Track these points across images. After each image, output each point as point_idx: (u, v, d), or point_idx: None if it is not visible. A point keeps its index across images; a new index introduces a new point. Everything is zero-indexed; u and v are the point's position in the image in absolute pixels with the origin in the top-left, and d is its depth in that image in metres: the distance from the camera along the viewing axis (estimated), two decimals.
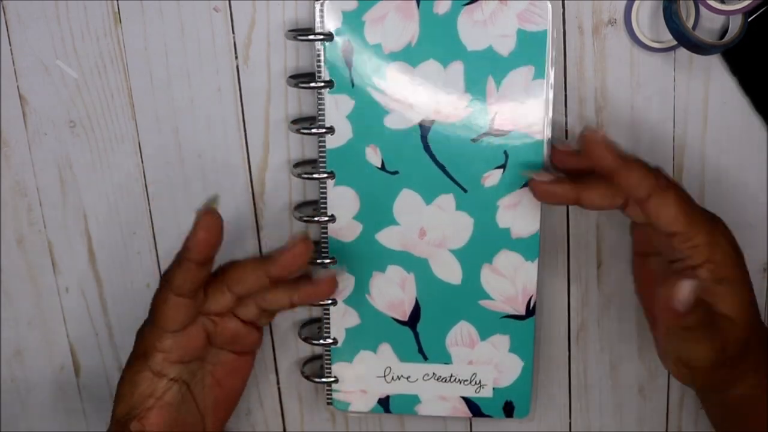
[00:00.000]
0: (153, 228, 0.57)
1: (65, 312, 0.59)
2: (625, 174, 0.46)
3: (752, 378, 0.48)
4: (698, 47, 0.50)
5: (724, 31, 0.52)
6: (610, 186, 0.48)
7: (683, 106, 0.54)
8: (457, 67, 0.51)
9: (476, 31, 0.50)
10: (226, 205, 0.56)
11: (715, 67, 0.53)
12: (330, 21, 0.50)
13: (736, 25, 0.51)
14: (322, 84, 0.51)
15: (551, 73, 0.51)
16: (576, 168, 0.50)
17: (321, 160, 0.52)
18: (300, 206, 0.55)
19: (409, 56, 0.51)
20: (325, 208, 0.53)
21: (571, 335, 0.58)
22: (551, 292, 0.57)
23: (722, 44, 0.51)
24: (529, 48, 0.50)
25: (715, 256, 0.47)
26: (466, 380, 0.55)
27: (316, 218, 0.53)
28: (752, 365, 0.48)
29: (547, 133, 0.51)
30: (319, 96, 0.51)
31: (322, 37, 0.50)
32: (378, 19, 0.50)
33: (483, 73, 0.51)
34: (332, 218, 0.53)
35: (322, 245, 0.54)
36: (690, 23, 0.51)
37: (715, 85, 0.53)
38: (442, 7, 0.50)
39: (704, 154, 0.54)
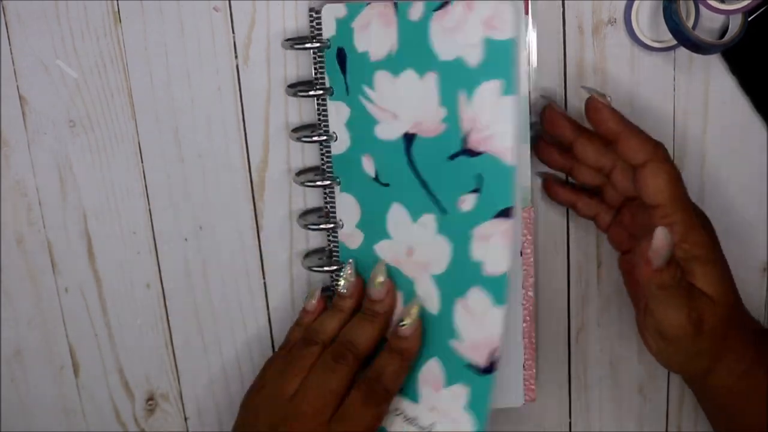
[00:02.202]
0: (153, 228, 0.57)
1: (65, 312, 0.59)
2: (628, 137, 0.48)
3: (733, 363, 0.49)
4: (698, 47, 0.50)
5: (724, 31, 0.52)
6: (605, 146, 0.49)
7: (683, 106, 0.54)
8: (432, 78, 0.48)
9: (446, 39, 0.46)
10: (227, 204, 0.56)
11: (715, 67, 0.53)
12: (325, 28, 0.50)
13: (735, 24, 0.51)
14: (321, 92, 0.51)
15: (526, 84, 0.49)
16: (564, 136, 0.51)
17: (327, 167, 0.52)
18: (303, 214, 0.55)
19: (391, 65, 0.49)
20: (334, 214, 0.53)
21: (571, 335, 0.58)
22: (551, 292, 0.57)
23: (722, 44, 0.51)
24: (496, 59, 0.45)
25: (689, 237, 0.47)
26: (425, 428, 0.52)
27: (322, 225, 0.53)
28: (731, 349, 0.49)
29: (513, 161, 0.46)
30: (321, 103, 0.51)
31: (318, 45, 0.50)
32: (364, 26, 0.49)
33: (455, 85, 0.47)
34: (341, 224, 0.53)
35: (333, 252, 0.54)
36: (690, 23, 0.51)
37: (715, 85, 0.53)
38: (415, 13, 0.47)
39: (704, 154, 0.54)
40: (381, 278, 0.52)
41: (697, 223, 0.48)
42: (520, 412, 0.59)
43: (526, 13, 0.51)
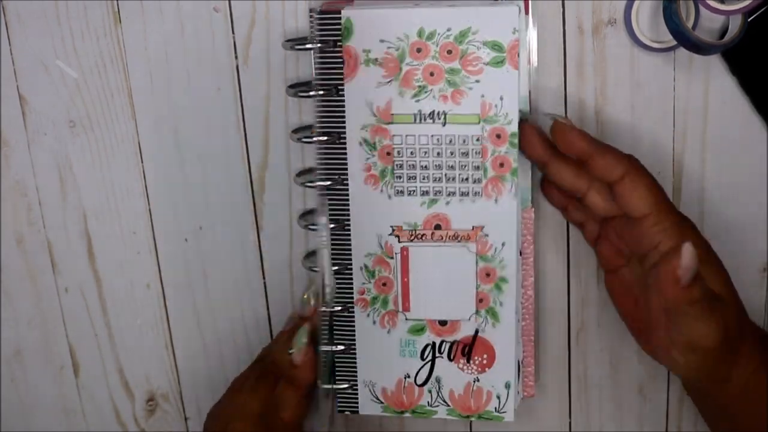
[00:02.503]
0: (153, 228, 0.57)
1: (65, 312, 0.59)
2: (601, 156, 0.47)
3: (742, 369, 0.48)
4: (698, 47, 0.50)
5: (724, 31, 0.52)
6: (579, 169, 0.49)
7: (683, 106, 0.54)
8: None
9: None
10: (226, 204, 0.56)
11: (715, 67, 0.53)
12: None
13: (735, 25, 0.51)
14: (321, 92, 0.51)
15: (526, 84, 0.50)
16: (537, 157, 0.51)
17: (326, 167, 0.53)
18: (303, 215, 0.55)
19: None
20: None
21: (571, 335, 0.58)
22: (551, 292, 0.57)
23: (722, 44, 0.51)
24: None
25: (685, 238, 0.46)
26: None
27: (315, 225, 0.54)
28: (744, 354, 0.48)
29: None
30: (321, 103, 0.51)
31: (318, 45, 0.50)
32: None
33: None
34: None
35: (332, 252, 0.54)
36: (690, 23, 0.51)
37: (715, 85, 0.53)
38: None
39: (704, 154, 0.54)
40: (299, 346, 0.52)
41: (690, 223, 0.48)
42: (519, 411, 0.59)
43: (527, 12, 0.51)
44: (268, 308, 0.58)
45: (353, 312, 0.54)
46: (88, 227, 0.57)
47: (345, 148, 0.52)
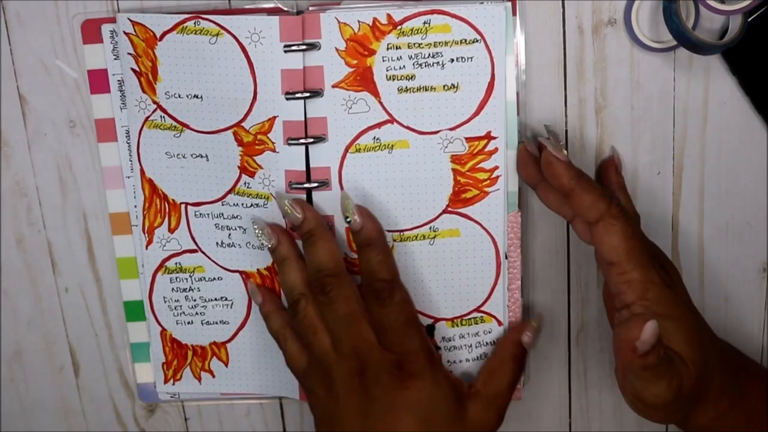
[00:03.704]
0: None
1: (65, 312, 0.59)
2: (579, 195, 0.47)
3: (709, 409, 0.48)
4: (698, 47, 0.50)
5: (724, 31, 0.52)
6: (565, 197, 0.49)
7: (683, 106, 0.54)
8: None
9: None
10: None
11: (715, 67, 0.53)
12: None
13: (736, 25, 0.51)
14: (308, 95, 0.51)
15: (513, 88, 0.50)
16: (529, 179, 0.52)
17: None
18: None
19: None
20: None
21: (571, 335, 0.58)
22: (551, 292, 0.57)
23: (722, 44, 0.51)
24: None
25: (648, 293, 0.47)
26: None
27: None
28: (706, 397, 0.48)
29: None
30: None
31: (306, 47, 0.50)
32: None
33: None
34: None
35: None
36: (690, 23, 0.51)
37: (715, 85, 0.53)
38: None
39: (704, 154, 0.54)
40: (287, 206, 0.51)
41: (657, 279, 0.47)
42: (519, 411, 0.59)
43: (514, 14, 0.51)
44: None
45: None
46: (88, 227, 0.57)
47: None
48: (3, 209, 0.57)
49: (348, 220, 0.51)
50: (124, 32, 0.51)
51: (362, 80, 0.51)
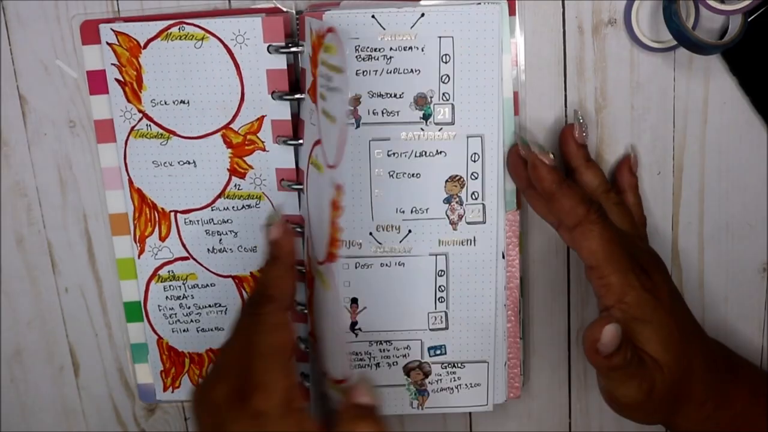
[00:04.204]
0: None
1: (65, 312, 0.59)
2: (559, 200, 0.48)
3: (693, 412, 0.49)
4: (698, 47, 0.50)
5: (724, 31, 0.52)
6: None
7: (683, 106, 0.54)
8: None
9: None
10: None
11: (715, 67, 0.53)
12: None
13: (736, 25, 0.51)
14: (299, 95, 0.51)
15: (510, 86, 0.50)
16: (517, 182, 0.52)
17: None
18: None
19: None
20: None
21: (571, 335, 0.58)
22: (551, 293, 0.57)
23: (722, 44, 0.51)
24: None
25: (626, 297, 0.47)
26: None
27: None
28: (689, 400, 0.48)
29: None
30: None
31: (298, 49, 0.50)
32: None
33: None
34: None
35: None
36: (690, 23, 0.51)
37: (715, 85, 0.53)
38: None
39: (704, 154, 0.54)
40: (272, 219, 0.50)
41: (636, 283, 0.47)
42: (519, 411, 0.59)
43: (512, 14, 0.51)
44: None
45: None
46: (88, 227, 0.57)
47: None
48: (3, 209, 0.57)
49: (267, 225, 0.50)
50: (107, 42, 0.51)
51: (313, 91, 0.50)
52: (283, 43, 0.51)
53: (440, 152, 0.52)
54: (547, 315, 0.57)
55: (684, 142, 0.54)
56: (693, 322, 0.51)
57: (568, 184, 0.48)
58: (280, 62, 0.51)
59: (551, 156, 0.49)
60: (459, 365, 0.55)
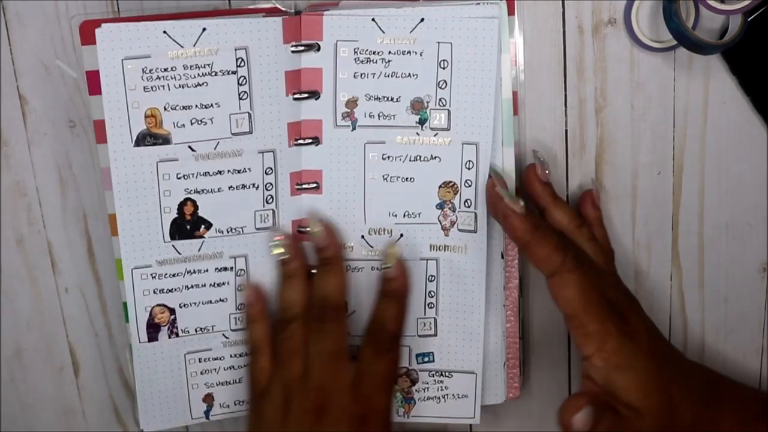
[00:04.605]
0: None
1: (65, 312, 0.59)
2: (533, 249, 0.47)
3: None
4: (698, 47, 0.50)
5: (724, 31, 0.52)
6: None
7: (683, 106, 0.54)
8: None
9: None
10: None
11: (715, 67, 0.53)
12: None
13: (736, 24, 0.51)
14: (306, 95, 0.51)
15: (509, 87, 0.50)
16: (494, 211, 0.51)
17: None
18: None
19: None
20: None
21: (571, 335, 0.58)
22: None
23: (722, 44, 0.51)
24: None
25: (606, 345, 0.47)
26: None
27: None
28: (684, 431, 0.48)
29: None
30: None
31: (303, 48, 0.50)
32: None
33: None
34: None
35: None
36: (690, 23, 0.51)
37: (715, 85, 0.53)
38: None
39: (704, 154, 0.54)
40: (316, 227, 0.51)
41: (613, 330, 0.47)
42: (519, 411, 0.59)
43: (512, 13, 0.51)
44: None
45: None
46: (88, 227, 0.57)
47: None
48: (3, 209, 0.57)
49: (388, 266, 0.51)
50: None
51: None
52: (303, 44, 0.51)
53: (435, 157, 0.52)
54: (548, 315, 0.57)
55: (684, 142, 0.54)
56: (672, 353, 0.51)
57: (542, 232, 0.48)
58: (297, 63, 0.51)
59: (521, 203, 0.48)
60: (447, 374, 0.55)
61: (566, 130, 0.54)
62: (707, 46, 0.50)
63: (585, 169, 0.55)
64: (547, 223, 0.51)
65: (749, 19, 0.51)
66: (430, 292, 0.54)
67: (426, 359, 0.55)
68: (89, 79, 0.53)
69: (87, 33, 0.52)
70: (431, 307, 0.54)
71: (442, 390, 0.55)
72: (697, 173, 0.55)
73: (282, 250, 0.52)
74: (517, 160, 0.53)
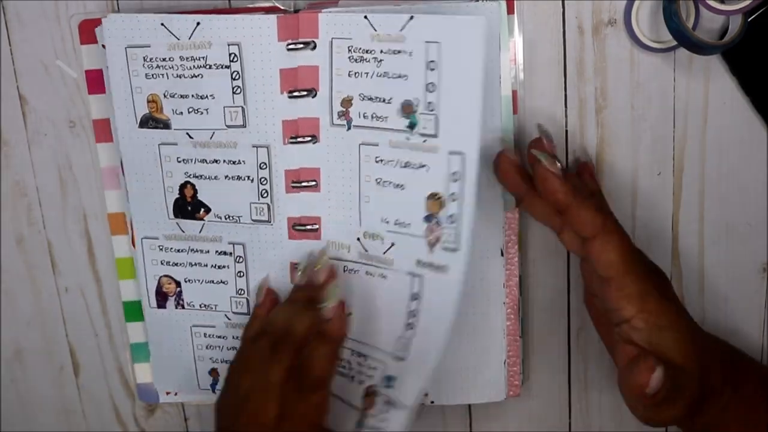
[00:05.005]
0: None
1: (65, 312, 0.59)
2: (576, 211, 0.47)
3: (714, 406, 0.48)
4: (698, 47, 0.50)
5: (724, 31, 0.52)
6: (554, 208, 0.48)
7: (683, 106, 0.54)
8: None
9: None
10: None
11: (715, 67, 0.53)
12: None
13: (736, 25, 0.51)
14: (304, 93, 0.51)
15: (509, 84, 0.50)
16: (514, 189, 0.50)
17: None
18: None
19: None
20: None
21: (571, 335, 0.58)
22: (551, 293, 0.57)
23: (722, 44, 0.51)
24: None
25: (647, 306, 0.47)
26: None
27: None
28: (716, 394, 0.48)
29: None
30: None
31: (300, 46, 0.50)
32: None
33: None
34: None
35: None
36: (690, 23, 0.51)
37: (715, 85, 0.53)
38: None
39: (704, 154, 0.54)
40: (332, 302, 0.50)
41: (653, 290, 0.47)
42: (519, 411, 0.59)
43: (511, 12, 0.51)
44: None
45: None
46: (88, 227, 0.57)
47: None
48: (3, 209, 0.57)
49: (324, 305, 0.50)
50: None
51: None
52: (299, 41, 0.51)
53: (423, 165, 0.50)
54: (548, 314, 0.57)
55: (684, 142, 0.54)
56: (692, 318, 0.51)
57: (582, 194, 0.47)
58: (293, 61, 0.51)
59: (558, 165, 0.47)
60: (396, 406, 0.52)
61: (566, 130, 0.54)
62: (707, 47, 0.50)
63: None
64: (583, 184, 0.51)
65: (749, 20, 0.51)
66: (411, 311, 0.52)
67: (389, 384, 0.52)
68: (88, 78, 0.53)
69: (86, 32, 0.52)
70: (410, 328, 0.52)
71: (383, 422, 0.52)
72: (697, 173, 0.55)
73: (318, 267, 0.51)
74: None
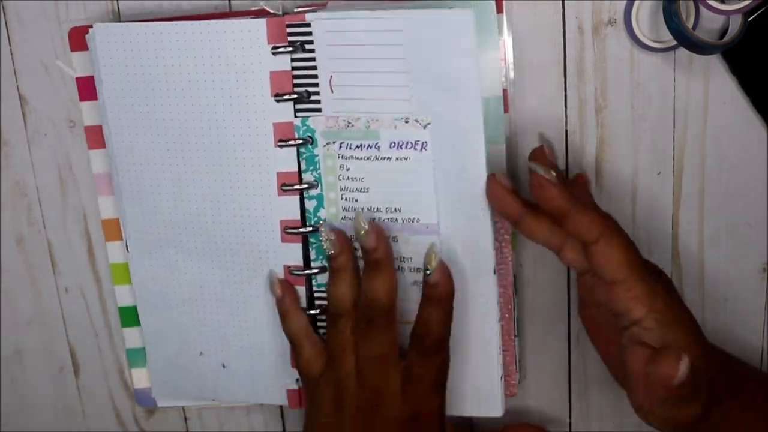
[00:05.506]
0: None
1: (65, 312, 0.59)
2: (577, 215, 0.46)
3: (714, 415, 0.48)
4: (698, 47, 0.50)
5: (724, 31, 0.52)
6: (554, 225, 0.48)
7: (683, 106, 0.54)
8: None
9: None
10: None
11: (715, 67, 0.53)
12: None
13: (736, 25, 0.51)
14: (296, 96, 0.51)
15: (499, 84, 0.50)
16: (508, 215, 0.49)
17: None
18: None
19: None
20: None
21: (571, 335, 0.58)
22: (552, 293, 0.57)
23: (722, 44, 0.51)
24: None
25: (656, 305, 0.46)
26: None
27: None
28: (715, 405, 0.48)
29: None
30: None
31: (290, 49, 0.50)
32: None
33: None
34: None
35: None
36: (690, 23, 0.51)
37: (715, 85, 0.53)
38: None
39: (704, 154, 0.54)
40: (364, 228, 0.50)
41: (661, 290, 0.47)
42: (519, 411, 0.59)
43: (500, 12, 0.51)
44: None
45: None
46: (88, 227, 0.57)
47: None
48: (3, 209, 0.57)
49: (428, 272, 0.50)
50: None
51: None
52: (288, 44, 0.50)
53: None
54: (548, 315, 0.57)
55: (684, 142, 0.54)
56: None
57: (581, 199, 0.47)
58: (284, 64, 0.51)
59: (553, 173, 0.47)
60: None
61: (566, 130, 0.54)
62: (707, 47, 0.50)
63: (585, 169, 0.55)
64: (578, 193, 0.51)
65: (749, 20, 0.51)
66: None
67: None
68: (80, 84, 0.53)
69: (76, 39, 0.52)
70: None
71: None
72: (697, 173, 0.55)
73: (330, 245, 0.52)
74: (509, 159, 0.53)
